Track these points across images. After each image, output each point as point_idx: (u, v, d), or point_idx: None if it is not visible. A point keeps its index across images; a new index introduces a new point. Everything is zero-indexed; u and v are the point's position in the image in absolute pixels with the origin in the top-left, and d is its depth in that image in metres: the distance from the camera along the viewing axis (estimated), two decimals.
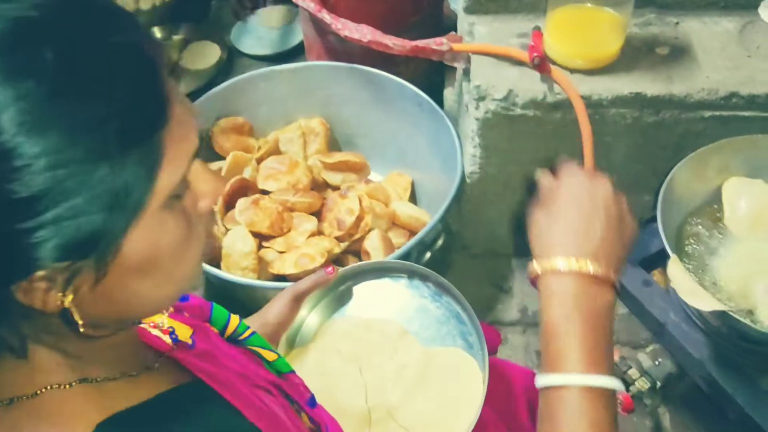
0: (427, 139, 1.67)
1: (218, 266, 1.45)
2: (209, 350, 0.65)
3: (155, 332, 0.63)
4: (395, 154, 1.78)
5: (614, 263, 0.74)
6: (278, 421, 0.62)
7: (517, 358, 1.57)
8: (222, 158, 1.68)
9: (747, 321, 0.97)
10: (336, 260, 1.55)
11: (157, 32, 2.24)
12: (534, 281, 0.75)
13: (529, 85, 1.36)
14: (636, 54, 1.37)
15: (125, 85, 0.45)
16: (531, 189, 0.85)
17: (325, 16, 1.59)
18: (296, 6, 1.68)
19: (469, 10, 1.50)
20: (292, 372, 0.76)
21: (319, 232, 1.59)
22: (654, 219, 1.09)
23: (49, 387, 0.51)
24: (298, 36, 2.21)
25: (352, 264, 1.09)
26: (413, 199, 1.76)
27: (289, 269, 1.45)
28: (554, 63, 1.35)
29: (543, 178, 0.82)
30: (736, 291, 1.07)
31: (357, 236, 1.56)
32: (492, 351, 1.00)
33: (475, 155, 1.50)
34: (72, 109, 0.42)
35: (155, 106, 0.46)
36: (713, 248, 1.13)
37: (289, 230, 1.58)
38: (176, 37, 2.28)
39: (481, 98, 1.38)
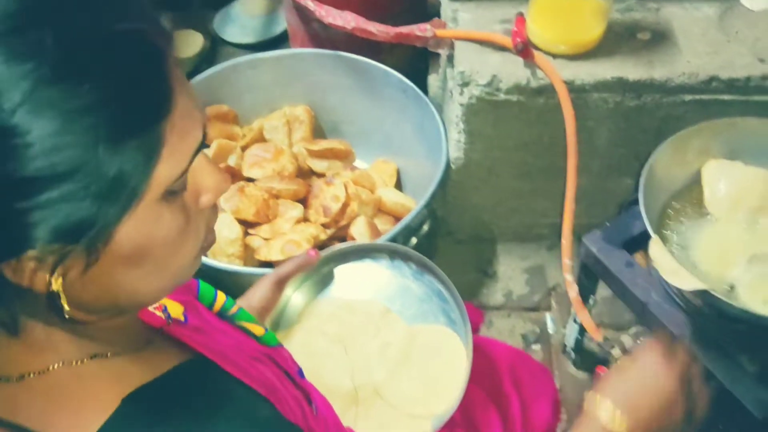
0: (412, 126, 1.68)
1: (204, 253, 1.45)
2: (201, 326, 0.66)
3: (150, 308, 0.63)
4: (380, 141, 1.79)
5: None
6: (275, 388, 0.64)
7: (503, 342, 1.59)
8: (206, 146, 1.68)
9: (727, 299, 0.99)
10: (322, 247, 1.55)
11: None
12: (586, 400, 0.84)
13: (512, 71, 1.37)
14: (618, 39, 1.39)
15: (125, 72, 0.44)
16: None
17: (309, 3, 1.59)
18: None
19: None
20: (280, 345, 0.77)
21: (305, 219, 1.59)
22: (636, 202, 1.10)
23: (60, 364, 0.52)
24: (281, 24, 2.21)
25: (334, 246, 1.10)
26: (399, 185, 1.77)
27: (275, 256, 1.46)
28: (537, 48, 1.37)
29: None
30: (715, 271, 1.09)
31: (343, 223, 1.57)
32: (474, 330, 1.02)
33: (459, 141, 1.51)
34: (71, 93, 0.42)
35: (157, 95, 0.46)
36: (693, 229, 1.15)
37: (275, 217, 1.58)
38: None
39: (465, 84, 1.39)
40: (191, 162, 0.49)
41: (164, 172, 0.47)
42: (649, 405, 0.81)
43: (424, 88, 1.71)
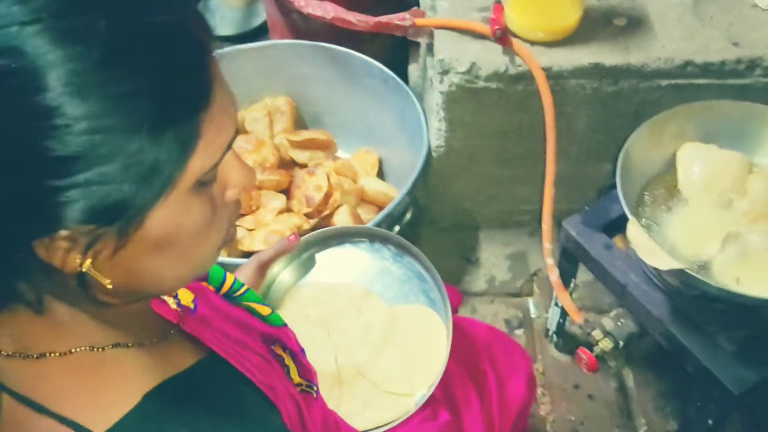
0: (394, 115, 1.69)
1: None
2: (210, 315, 0.66)
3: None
4: (362, 131, 1.79)
5: None
6: (275, 387, 0.65)
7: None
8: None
9: (703, 278, 1.01)
10: None
11: None
12: None
13: (491, 58, 1.38)
14: (594, 25, 1.41)
15: (171, 62, 0.45)
16: None
17: None
18: None
19: None
20: (285, 325, 0.78)
21: (288, 210, 1.60)
22: (614, 186, 1.12)
23: (83, 348, 0.53)
24: (261, 15, 2.20)
25: (314, 231, 1.11)
26: (381, 175, 1.78)
27: (258, 246, 1.46)
28: (515, 36, 1.38)
29: None
30: (691, 251, 1.11)
31: (326, 212, 1.58)
32: (453, 311, 1.03)
33: (440, 129, 1.52)
34: (117, 78, 0.43)
35: (198, 87, 0.47)
36: (669, 211, 1.17)
37: (257, 208, 1.59)
38: None
39: (445, 72, 1.40)
40: (224, 155, 0.50)
41: (198, 163, 0.47)
42: None
43: (404, 77, 1.71)
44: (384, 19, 1.51)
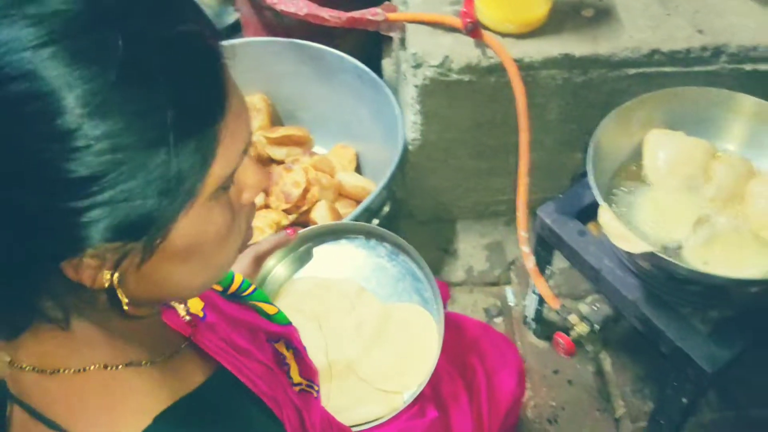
0: (369, 110, 1.70)
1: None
2: (218, 323, 0.67)
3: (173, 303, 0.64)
4: (338, 127, 1.80)
5: None
6: (279, 399, 0.66)
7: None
8: None
9: (673, 260, 1.04)
10: None
11: None
12: None
13: (463, 51, 1.40)
14: (563, 17, 1.43)
15: (188, 75, 0.45)
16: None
17: None
18: None
19: None
20: (290, 324, 0.78)
21: (266, 206, 1.61)
22: (586, 174, 1.15)
23: (97, 366, 0.53)
24: (233, 14, 2.20)
25: (312, 226, 1.12)
26: (358, 170, 1.79)
27: None
28: (486, 28, 1.40)
29: None
30: (660, 235, 1.14)
31: (305, 208, 1.59)
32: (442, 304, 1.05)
33: (415, 122, 1.54)
34: (136, 95, 0.43)
35: (215, 97, 0.46)
36: (638, 196, 1.20)
37: None
38: None
39: (418, 65, 1.42)
40: (241, 160, 0.50)
41: (218, 170, 0.47)
42: None
43: (378, 72, 1.73)
44: (356, 14, 1.52)
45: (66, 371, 0.52)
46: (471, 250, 1.75)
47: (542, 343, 1.57)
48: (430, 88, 1.44)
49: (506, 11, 1.38)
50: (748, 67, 1.41)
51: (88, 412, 0.52)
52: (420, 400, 1.00)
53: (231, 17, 2.22)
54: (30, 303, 0.48)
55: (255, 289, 0.78)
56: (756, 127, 1.22)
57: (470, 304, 1.65)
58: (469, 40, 1.40)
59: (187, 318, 0.63)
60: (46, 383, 0.52)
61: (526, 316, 1.58)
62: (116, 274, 0.47)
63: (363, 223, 1.17)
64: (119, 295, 0.49)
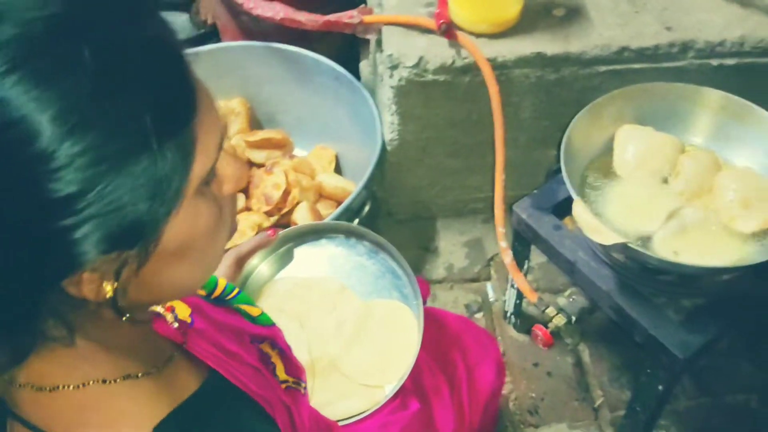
0: (347, 112, 1.72)
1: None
2: (206, 328, 0.68)
3: (159, 309, 0.65)
4: (317, 129, 1.82)
5: None
6: (270, 399, 0.68)
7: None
8: None
9: (645, 251, 1.07)
10: None
11: None
12: None
13: (438, 52, 1.43)
14: (535, 17, 1.46)
15: (159, 78, 0.45)
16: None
17: None
18: None
19: None
20: (274, 325, 0.80)
21: (248, 209, 1.62)
22: (560, 169, 1.18)
23: (94, 381, 0.53)
24: (210, 19, 2.21)
25: (293, 226, 1.14)
26: (338, 170, 1.81)
27: None
28: (460, 29, 1.43)
29: None
30: (631, 228, 1.17)
31: (286, 209, 1.61)
32: (422, 301, 1.08)
33: (393, 123, 1.56)
34: (112, 105, 0.42)
35: (187, 96, 0.47)
36: (611, 190, 1.23)
37: None
38: None
39: (394, 67, 1.44)
40: (219, 153, 0.51)
41: (199, 167, 0.48)
42: None
43: (356, 74, 1.75)
44: (333, 17, 1.54)
45: (66, 388, 0.53)
46: (451, 247, 1.77)
47: (522, 337, 1.60)
48: (407, 88, 1.47)
49: (479, 12, 1.41)
50: (714, 62, 1.45)
51: (88, 427, 0.53)
52: (402, 393, 1.02)
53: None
54: (35, 326, 0.48)
55: (239, 292, 0.80)
56: (722, 120, 1.26)
57: (451, 301, 1.68)
58: (444, 41, 1.43)
59: (176, 325, 0.65)
60: (46, 400, 0.53)
61: (506, 311, 1.61)
62: (115, 284, 0.47)
63: (342, 222, 1.19)
64: (122, 304, 0.49)
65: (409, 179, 1.71)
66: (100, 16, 0.44)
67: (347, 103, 1.70)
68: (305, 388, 0.81)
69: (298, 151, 1.84)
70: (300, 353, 1.01)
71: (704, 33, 1.43)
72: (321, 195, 1.69)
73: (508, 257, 1.36)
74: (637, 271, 1.19)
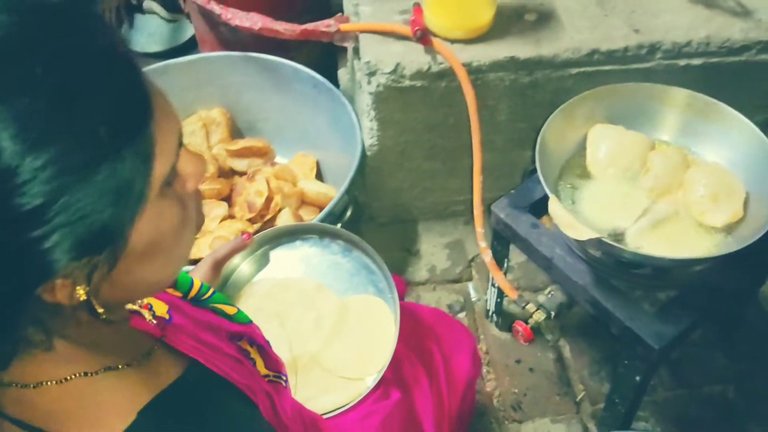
0: (327, 119, 1.75)
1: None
2: (184, 323, 0.70)
3: (135, 308, 0.67)
4: (298, 136, 1.85)
5: None
6: (250, 385, 0.70)
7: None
8: None
9: (618, 245, 1.11)
10: None
11: None
12: None
13: (414, 58, 1.46)
14: (507, 22, 1.50)
15: (112, 86, 0.47)
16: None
17: (214, 7, 1.64)
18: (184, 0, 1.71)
19: None
20: (251, 322, 0.82)
21: (231, 216, 1.64)
22: (536, 170, 1.21)
23: (77, 375, 0.55)
24: (189, 30, 2.23)
25: (268, 229, 1.17)
26: (319, 177, 1.84)
27: (204, 253, 1.50)
28: (435, 35, 1.46)
29: None
30: (605, 223, 1.21)
31: (268, 216, 1.63)
32: (399, 298, 1.11)
33: (372, 128, 1.59)
34: (68, 118, 0.44)
35: (141, 101, 0.48)
36: (584, 188, 1.27)
37: None
38: None
39: (372, 73, 1.47)
40: (179, 153, 0.53)
41: (159, 168, 0.49)
42: None
43: (334, 81, 1.78)
44: (310, 26, 1.57)
45: (49, 383, 0.54)
46: (433, 249, 1.81)
47: (504, 335, 1.63)
48: (384, 94, 1.50)
49: (453, 18, 1.45)
50: (681, 62, 1.50)
51: (74, 417, 0.55)
52: (383, 383, 1.06)
53: (187, 34, 2.25)
54: (14, 335, 0.50)
55: (214, 293, 0.82)
56: (689, 117, 1.31)
57: (434, 302, 1.71)
58: (420, 48, 1.46)
59: (154, 322, 0.67)
60: (31, 396, 0.54)
61: (488, 310, 1.64)
62: (87, 288, 0.49)
63: (316, 223, 1.22)
64: (95, 306, 0.51)
65: (389, 183, 1.74)
66: (48, 33, 0.45)
67: (326, 110, 1.73)
68: (286, 380, 0.83)
69: (279, 159, 1.87)
70: (281, 351, 1.04)
71: (671, 34, 1.48)
72: (303, 201, 1.72)
73: (488, 256, 1.40)
74: (612, 265, 1.22)
